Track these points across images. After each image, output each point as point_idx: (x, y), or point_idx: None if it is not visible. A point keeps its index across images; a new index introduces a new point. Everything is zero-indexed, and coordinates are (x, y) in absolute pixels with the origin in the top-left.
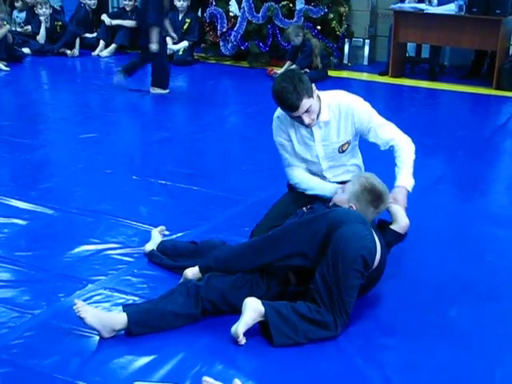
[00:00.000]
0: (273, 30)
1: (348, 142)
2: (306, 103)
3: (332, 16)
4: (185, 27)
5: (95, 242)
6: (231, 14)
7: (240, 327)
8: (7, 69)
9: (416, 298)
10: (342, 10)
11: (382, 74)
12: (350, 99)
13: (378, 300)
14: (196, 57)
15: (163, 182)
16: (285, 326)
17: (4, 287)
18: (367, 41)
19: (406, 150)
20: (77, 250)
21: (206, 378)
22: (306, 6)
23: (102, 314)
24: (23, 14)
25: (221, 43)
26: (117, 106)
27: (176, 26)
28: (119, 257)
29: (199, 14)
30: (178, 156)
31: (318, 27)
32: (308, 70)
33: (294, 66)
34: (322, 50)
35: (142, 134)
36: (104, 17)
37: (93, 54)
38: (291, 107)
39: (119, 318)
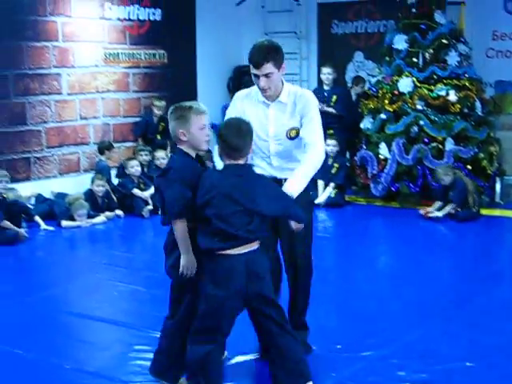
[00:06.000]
0: (423, 171)
1: (296, 129)
2: (268, 67)
3: (482, 155)
4: (333, 171)
5: None
6: (381, 156)
7: None
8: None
9: None
10: (493, 149)
11: None
12: (307, 92)
13: None
14: (347, 199)
15: None
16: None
17: None
18: None
19: (310, 159)
20: None
21: None
22: (456, 147)
23: None
24: None
25: (371, 185)
26: None
27: (326, 170)
28: None
29: (347, 156)
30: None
31: (469, 167)
32: (460, 209)
33: (448, 207)
34: (474, 187)
35: None
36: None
37: None
38: (255, 63)
39: None
